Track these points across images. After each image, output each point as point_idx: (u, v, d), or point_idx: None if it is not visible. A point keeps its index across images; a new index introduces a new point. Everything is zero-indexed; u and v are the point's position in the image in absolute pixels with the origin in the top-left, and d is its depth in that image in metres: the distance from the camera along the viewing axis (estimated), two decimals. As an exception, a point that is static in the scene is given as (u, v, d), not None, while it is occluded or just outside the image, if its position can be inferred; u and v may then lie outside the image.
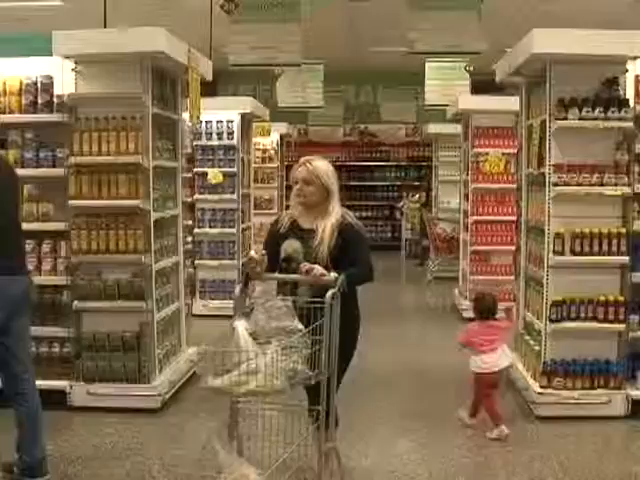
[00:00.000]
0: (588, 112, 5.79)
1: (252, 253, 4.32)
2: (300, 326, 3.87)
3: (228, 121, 10.22)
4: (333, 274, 4.08)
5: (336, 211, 4.39)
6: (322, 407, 4.12)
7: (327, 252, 4.25)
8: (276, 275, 4.41)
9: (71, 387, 6.01)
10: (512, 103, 8.20)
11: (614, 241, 5.81)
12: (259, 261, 4.24)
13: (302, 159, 4.58)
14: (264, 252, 4.33)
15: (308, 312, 3.98)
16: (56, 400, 5.90)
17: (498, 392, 5.74)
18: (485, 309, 5.77)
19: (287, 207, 4.61)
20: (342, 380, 4.48)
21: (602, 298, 5.85)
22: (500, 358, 5.63)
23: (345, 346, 4.17)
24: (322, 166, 4.50)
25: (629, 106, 5.82)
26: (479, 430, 5.67)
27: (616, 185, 5.81)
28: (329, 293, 3.93)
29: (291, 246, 4.37)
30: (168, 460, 5.10)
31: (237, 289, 4.36)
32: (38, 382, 5.96)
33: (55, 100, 6.04)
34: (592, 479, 4.81)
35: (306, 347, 3.83)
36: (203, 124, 10.02)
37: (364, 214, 18.42)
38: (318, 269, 4.08)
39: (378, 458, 5.19)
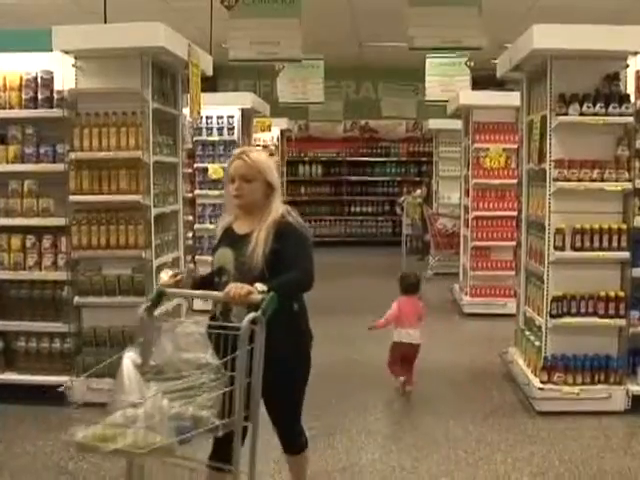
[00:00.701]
0: (589, 107, 5.79)
1: (163, 277, 3.77)
2: (213, 359, 3.17)
3: (228, 116, 10.22)
4: (260, 286, 3.34)
5: (276, 210, 3.74)
6: (234, 468, 3.33)
7: (262, 259, 3.58)
8: (187, 291, 3.88)
9: (71, 382, 6.01)
10: (513, 98, 8.20)
11: (615, 237, 5.81)
12: (172, 284, 3.72)
13: (236, 151, 3.92)
14: (180, 271, 3.89)
15: (234, 340, 3.24)
16: (56, 395, 5.91)
17: (414, 359, 6.53)
18: (409, 286, 6.68)
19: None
20: (296, 425, 4.03)
21: (602, 293, 5.85)
22: (420, 335, 6.49)
23: (290, 375, 3.71)
24: (263, 158, 3.85)
25: (630, 101, 5.82)
26: (476, 424, 5.69)
27: (617, 181, 5.81)
28: (248, 317, 3.18)
29: (223, 256, 3.77)
30: (169, 455, 5.09)
31: (141, 308, 3.61)
32: (40, 377, 6.02)
33: (55, 95, 6.04)
34: (592, 474, 4.81)
35: (218, 386, 3.13)
36: (203, 119, 10.02)
37: (364, 209, 18.45)
38: (238, 287, 3.30)
39: (379, 452, 5.19)
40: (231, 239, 3.79)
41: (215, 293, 3.61)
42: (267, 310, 3.22)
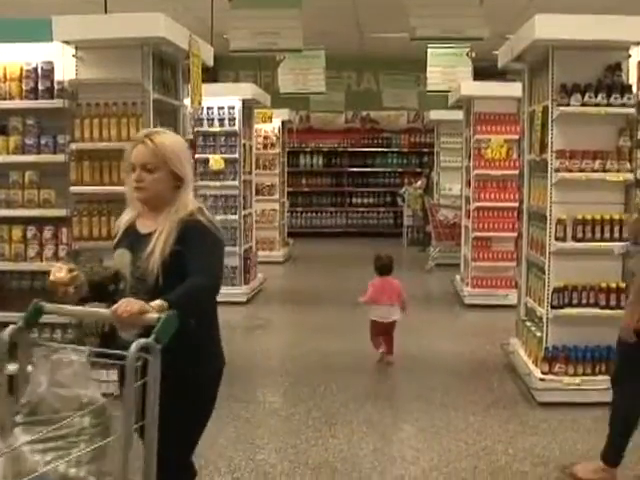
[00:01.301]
0: (591, 98, 5.78)
1: (55, 272, 3.10)
2: (96, 395, 2.55)
3: (229, 107, 10.22)
4: (158, 302, 2.70)
5: (184, 206, 3.07)
6: None
7: (158, 264, 2.94)
8: (67, 307, 3.08)
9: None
10: (514, 89, 8.19)
11: (616, 227, 5.80)
12: (67, 282, 3.07)
13: (139, 134, 3.33)
14: (73, 266, 3.15)
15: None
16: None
17: (391, 334, 7.14)
18: (382, 267, 7.24)
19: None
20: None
21: (604, 284, 5.85)
22: (394, 312, 7.07)
23: (180, 413, 2.91)
24: (170, 143, 3.14)
25: (632, 92, 5.80)
26: (477, 415, 5.69)
27: (618, 171, 5.80)
28: (135, 344, 2.51)
29: (120, 258, 3.15)
30: (170, 446, 5.10)
31: (10, 329, 2.89)
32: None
33: (56, 86, 6.02)
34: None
35: (102, 433, 2.51)
36: (204, 110, 10.01)
37: (365, 201, 18.44)
38: (129, 303, 2.63)
39: (380, 444, 5.20)
40: (132, 239, 3.15)
41: (101, 311, 2.90)
42: (162, 336, 2.53)
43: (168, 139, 3.17)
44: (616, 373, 4.56)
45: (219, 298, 3.16)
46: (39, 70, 6.04)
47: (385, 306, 7.10)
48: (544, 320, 6.01)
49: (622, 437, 4.41)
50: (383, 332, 7.16)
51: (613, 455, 4.44)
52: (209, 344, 3.30)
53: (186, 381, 3.02)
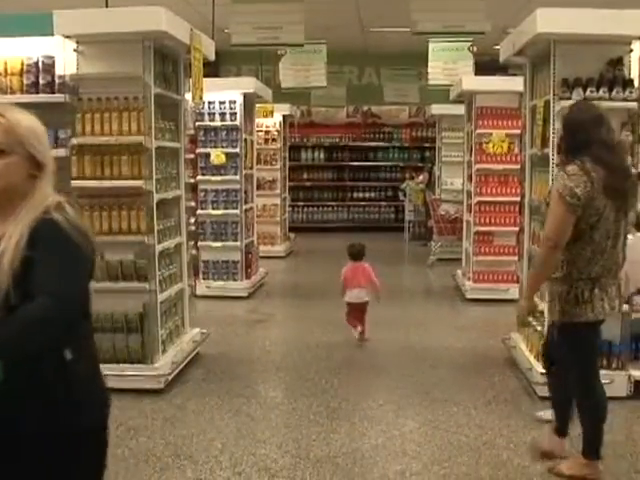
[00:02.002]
0: (592, 92, 5.76)
1: None
2: None
3: (231, 102, 10.20)
4: None
5: (41, 200, 2.46)
6: None
7: (9, 278, 2.23)
8: None
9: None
10: (516, 83, 8.17)
11: (618, 222, 5.79)
12: None
13: None
14: None
15: None
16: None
17: (364, 314, 7.80)
18: (354, 253, 7.90)
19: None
20: None
21: (605, 279, 5.84)
22: (365, 294, 7.73)
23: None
24: (28, 121, 2.58)
25: (634, 86, 5.79)
26: (478, 409, 5.69)
27: (620, 166, 5.79)
28: None
29: None
30: (172, 440, 5.12)
31: None
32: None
33: (57, 80, 6.02)
34: (594, 459, 4.82)
35: None
36: (206, 105, 9.99)
37: (367, 195, 18.43)
38: None
39: (382, 438, 5.20)
40: None
41: None
42: None
43: (24, 116, 2.57)
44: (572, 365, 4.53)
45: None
46: (40, 64, 6.04)
47: (357, 289, 7.75)
48: (545, 315, 6.00)
49: (599, 429, 4.46)
50: (358, 312, 7.79)
51: (597, 449, 4.47)
52: (88, 382, 2.44)
53: (57, 437, 2.30)
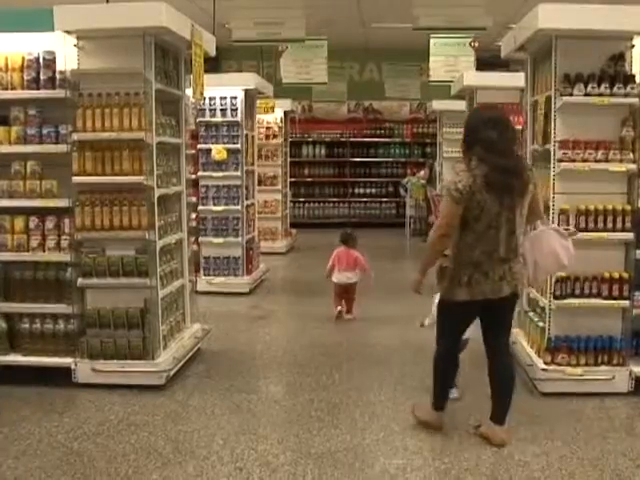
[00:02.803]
0: (594, 88, 5.76)
1: None
2: None
3: (232, 97, 10.20)
4: None
5: None
6: None
7: None
8: None
9: (76, 364, 6.02)
10: (517, 79, 8.17)
11: (619, 218, 5.79)
12: None
13: None
14: None
15: None
16: (61, 377, 5.95)
17: (350, 294, 8.58)
18: (345, 239, 8.62)
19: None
20: None
21: (606, 275, 5.85)
22: (353, 276, 8.49)
23: None
24: None
25: (635, 82, 5.78)
26: (478, 405, 5.70)
27: (621, 161, 5.78)
28: None
29: None
30: (173, 436, 5.13)
31: None
32: (44, 359, 6.05)
33: (57, 76, 6.01)
34: (595, 455, 4.82)
35: None
36: (207, 100, 9.99)
37: (368, 191, 18.42)
38: None
39: (383, 433, 5.20)
40: None
41: None
42: None
43: None
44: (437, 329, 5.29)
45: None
46: (41, 60, 6.03)
47: (345, 272, 8.48)
48: (547, 311, 6.01)
49: (440, 384, 5.22)
50: (343, 292, 8.55)
51: (436, 401, 5.21)
52: None
53: None
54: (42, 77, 6.02)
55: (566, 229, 5.24)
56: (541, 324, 6.16)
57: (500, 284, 4.83)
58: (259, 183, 12.13)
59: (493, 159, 4.69)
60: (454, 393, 5.71)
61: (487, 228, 4.72)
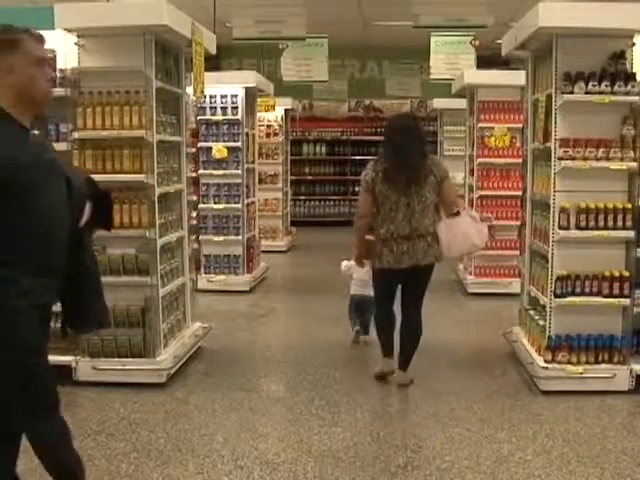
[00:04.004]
0: (594, 86, 5.75)
1: None
2: None
3: (232, 96, 10.19)
4: None
5: None
6: None
7: None
8: None
9: (76, 362, 6.03)
10: (518, 77, 8.17)
11: (619, 216, 5.78)
12: None
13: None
14: None
15: None
16: (62, 375, 5.95)
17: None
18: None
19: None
20: None
21: (607, 273, 5.84)
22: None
23: None
24: None
25: (636, 80, 5.77)
26: (480, 403, 5.70)
27: (622, 160, 5.78)
28: None
29: None
30: (174, 434, 5.13)
31: None
32: (43, 357, 6.03)
33: (58, 74, 6.01)
34: (596, 453, 4.83)
35: None
36: (207, 99, 9.98)
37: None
38: None
39: (383, 432, 5.20)
40: None
41: None
42: None
43: None
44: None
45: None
46: (41, 58, 6.01)
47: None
48: (547, 309, 6.01)
49: (380, 337, 6.31)
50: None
51: (383, 350, 6.27)
52: None
53: None
54: (43, 75, 6.00)
55: (482, 217, 6.24)
56: (542, 322, 6.16)
57: (401, 257, 5.82)
58: (260, 181, 12.13)
59: (393, 158, 5.85)
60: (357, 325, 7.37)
61: (389, 211, 5.82)
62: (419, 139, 5.97)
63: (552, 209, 5.91)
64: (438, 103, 14.35)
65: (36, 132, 3.34)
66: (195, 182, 9.75)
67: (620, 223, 5.79)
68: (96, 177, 5.81)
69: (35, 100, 3.19)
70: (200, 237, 10.12)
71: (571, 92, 5.77)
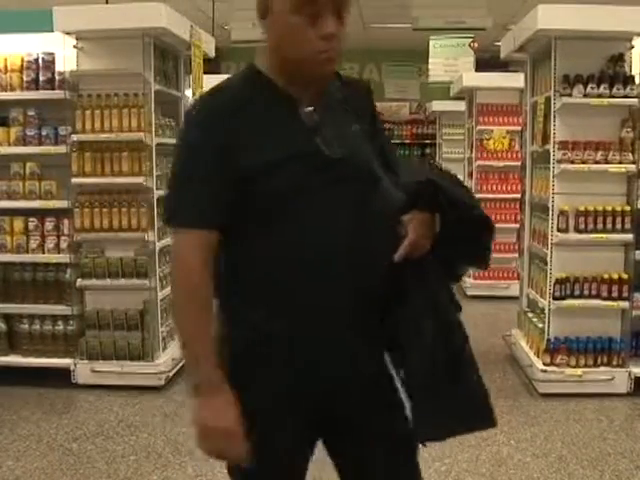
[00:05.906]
0: (593, 89, 5.75)
1: None
2: None
3: (231, 98, 10.16)
4: None
5: None
6: None
7: None
8: None
9: (75, 365, 6.02)
10: (516, 80, 8.17)
11: (618, 219, 5.79)
12: None
13: None
14: None
15: None
16: (61, 378, 5.95)
17: None
18: None
19: None
20: None
21: (606, 276, 5.84)
22: None
23: None
24: None
25: (634, 83, 5.78)
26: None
27: (621, 162, 5.78)
28: None
29: None
30: (172, 437, 5.12)
31: None
32: (43, 360, 6.04)
33: (57, 77, 6.01)
34: (595, 456, 4.82)
35: None
36: (206, 101, 9.96)
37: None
38: None
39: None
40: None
41: None
42: None
43: None
44: None
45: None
46: (40, 61, 6.03)
47: None
48: (546, 311, 6.01)
49: None
50: None
51: None
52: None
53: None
54: (41, 78, 6.01)
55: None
56: (540, 325, 6.16)
57: None
58: (259, 184, 12.11)
59: None
60: None
61: None
62: None
63: (551, 212, 5.91)
64: (437, 105, 14.34)
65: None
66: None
67: (619, 226, 5.79)
68: (95, 180, 5.92)
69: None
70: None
71: (570, 95, 5.78)
